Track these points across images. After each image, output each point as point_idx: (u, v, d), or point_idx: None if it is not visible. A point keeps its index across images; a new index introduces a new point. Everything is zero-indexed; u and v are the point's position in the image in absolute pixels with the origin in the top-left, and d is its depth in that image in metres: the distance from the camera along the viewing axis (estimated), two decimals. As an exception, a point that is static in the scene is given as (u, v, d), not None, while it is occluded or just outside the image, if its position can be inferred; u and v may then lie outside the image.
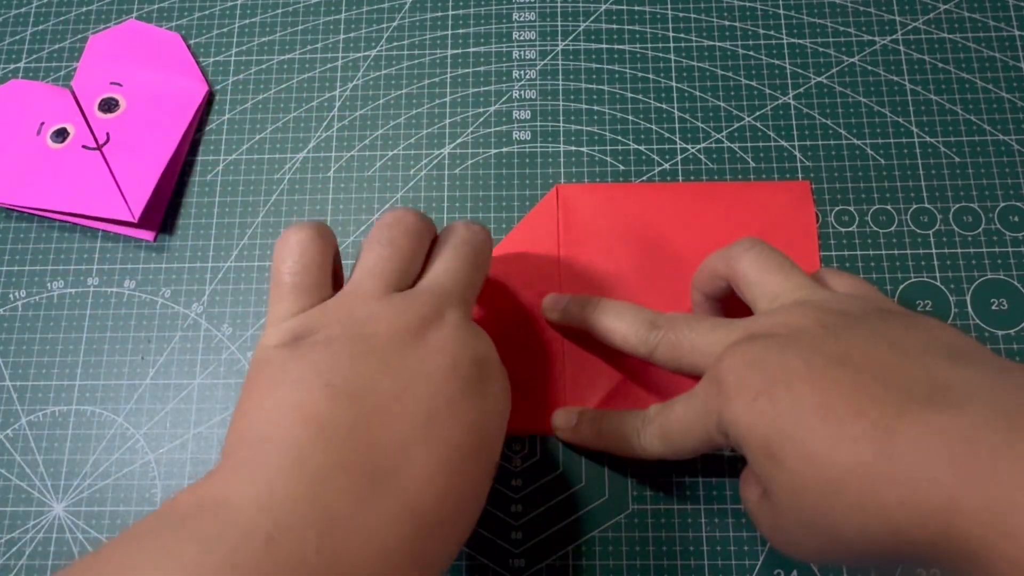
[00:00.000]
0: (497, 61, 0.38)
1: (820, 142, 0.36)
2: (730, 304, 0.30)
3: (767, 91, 0.37)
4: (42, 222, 0.36)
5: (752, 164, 0.35)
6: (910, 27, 0.37)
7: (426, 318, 0.25)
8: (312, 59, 0.38)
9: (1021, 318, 0.33)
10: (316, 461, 0.21)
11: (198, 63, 0.38)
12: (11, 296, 0.35)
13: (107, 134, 0.37)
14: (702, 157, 0.36)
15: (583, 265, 0.34)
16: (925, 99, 0.36)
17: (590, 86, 0.37)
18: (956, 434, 0.19)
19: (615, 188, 0.35)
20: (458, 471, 0.23)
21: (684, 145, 0.36)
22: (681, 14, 0.38)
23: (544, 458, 0.32)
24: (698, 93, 0.37)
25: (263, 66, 0.38)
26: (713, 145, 0.36)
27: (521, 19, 0.39)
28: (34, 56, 0.39)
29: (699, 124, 0.36)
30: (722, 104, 0.37)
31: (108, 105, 0.37)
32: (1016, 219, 0.34)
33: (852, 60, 0.37)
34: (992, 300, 0.33)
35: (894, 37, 0.37)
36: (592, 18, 0.38)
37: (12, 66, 0.39)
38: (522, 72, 0.38)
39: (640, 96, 0.37)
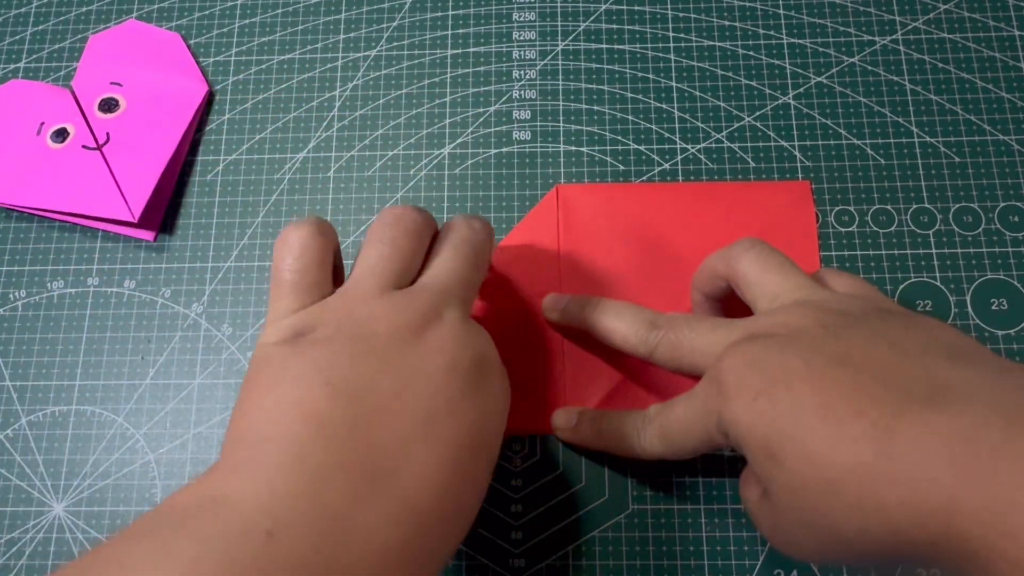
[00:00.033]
0: (497, 61, 0.38)
1: (820, 142, 0.36)
2: (730, 304, 0.30)
3: (767, 91, 0.37)
4: (42, 222, 0.36)
5: (752, 164, 0.35)
6: (910, 27, 0.37)
7: (426, 316, 0.25)
8: (312, 59, 0.38)
9: (1021, 318, 0.33)
10: (316, 459, 0.21)
11: (198, 63, 0.38)
12: (11, 296, 0.35)
13: (107, 134, 0.37)
14: (702, 157, 0.36)
15: (583, 265, 0.34)
16: (925, 99, 0.36)
17: (590, 86, 0.37)
18: (956, 434, 0.19)
19: (615, 188, 0.35)
20: (458, 470, 0.23)
21: (684, 145, 0.36)
22: (681, 14, 0.38)
23: (544, 458, 0.32)
24: (698, 93, 0.37)
25: (263, 66, 0.38)
26: (713, 145, 0.36)
27: (521, 19, 0.39)
28: (34, 56, 0.39)
29: (699, 124, 0.36)
30: (722, 104, 0.37)
31: (108, 105, 0.37)
32: (1016, 219, 0.34)
33: (852, 60, 0.37)
34: (992, 300, 0.33)
35: (894, 37, 0.37)
36: (592, 18, 0.38)
37: (12, 66, 0.39)
38: (522, 72, 0.38)
39: (640, 96, 0.37)
